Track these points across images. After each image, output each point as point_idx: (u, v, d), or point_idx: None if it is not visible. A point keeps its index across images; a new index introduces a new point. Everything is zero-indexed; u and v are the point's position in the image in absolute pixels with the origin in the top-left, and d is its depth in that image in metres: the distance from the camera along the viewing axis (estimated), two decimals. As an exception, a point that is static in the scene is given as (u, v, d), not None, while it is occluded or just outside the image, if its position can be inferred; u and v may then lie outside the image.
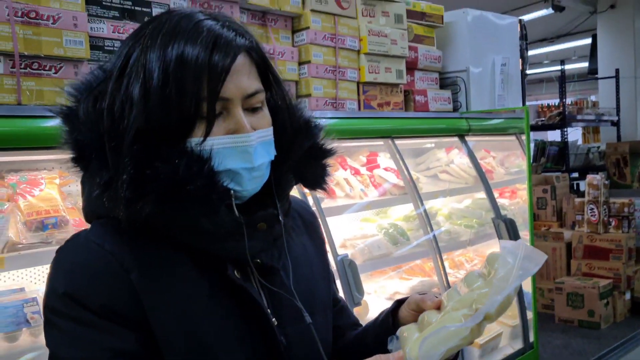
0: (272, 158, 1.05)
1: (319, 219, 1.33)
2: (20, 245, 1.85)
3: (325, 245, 1.29)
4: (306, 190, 2.41)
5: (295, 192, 1.34)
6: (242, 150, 0.98)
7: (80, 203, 2.09)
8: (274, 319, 1.05)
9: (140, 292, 0.95)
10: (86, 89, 1.02)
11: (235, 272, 1.01)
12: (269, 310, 1.04)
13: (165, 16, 1.01)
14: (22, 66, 1.83)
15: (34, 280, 2.03)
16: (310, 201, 2.41)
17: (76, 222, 1.98)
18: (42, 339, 1.82)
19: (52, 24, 1.87)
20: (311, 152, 1.12)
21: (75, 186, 2.18)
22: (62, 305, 0.94)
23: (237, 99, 0.99)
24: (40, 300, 1.91)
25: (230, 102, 0.98)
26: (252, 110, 1.02)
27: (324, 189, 1.15)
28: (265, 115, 1.04)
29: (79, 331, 0.93)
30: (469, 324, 0.94)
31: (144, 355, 0.95)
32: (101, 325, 0.93)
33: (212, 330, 0.99)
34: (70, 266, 0.97)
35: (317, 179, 1.13)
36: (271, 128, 1.06)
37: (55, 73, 1.91)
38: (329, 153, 1.15)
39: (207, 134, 0.96)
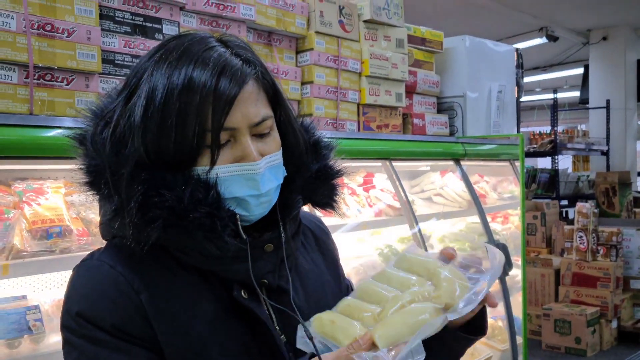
0: (281, 181, 1.06)
1: (331, 235, 1.35)
2: (25, 253, 1.86)
3: (339, 261, 1.31)
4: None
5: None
6: (248, 177, 0.99)
7: (83, 214, 2.13)
8: (282, 336, 1.06)
9: (150, 312, 0.98)
10: (100, 113, 1.03)
11: (243, 293, 1.03)
12: (277, 328, 1.06)
13: (175, 41, 1.02)
14: (36, 77, 1.86)
15: (36, 288, 2.04)
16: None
17: (79, 232, 2.00)
18: (43, 346, 1.85)
19: (66, 36, 1.91)
20: (320, 173, 1.13)
21: (78, 196, 2.20)
22: (76, 324, 0.97)
23: (244, 128, 0.99)
24: (43, 308, 1.93)
25: (237, 130, 0.99)
26: (259, 135, 1.02)
27: (334, 209, 1.16)
28: (273, 139, 1.05)
29: (93, 350, 0.96)
30: (452, 317, 0.97)
31: None
32: (113, 344, 0.96)
33: (220, 350, 1.01)
34: (84, 287, 1.00)
35: (326, 200, 1.14)
36: (280, 151, 1.06)
37: (67, 85, 1.94)
38: (338, 174, 1.15)
39: (212, 163, 0.97)
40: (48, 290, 2.07)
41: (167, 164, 0.98)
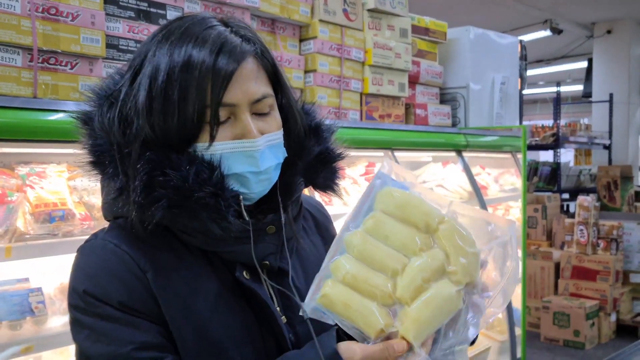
0: (281, 161, 1.07)
1: (332, 220, 1.35)
2: (28, 236, 1.87)
3: None
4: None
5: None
6: (248, 155, 1.01)
7: (86, 198, 2.14)
8: (283, 317, 1.08)
9: (156, 290, 0.99)
10: (104, 94, 1.04)
11: (245, 273, 1.04)
12: (278, 309, 1.08)
13: (177, 22, 1.04)
14: (40, 60, 1.87)
15: (39, 271, 2.05)
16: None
17: (82, 216, 2.01)
18: (45, 328, 1.86)
19: (70, 20, 1.91)
20: (321, 156, 1.13)
21: (80, 181, 2.21)
22: (83, 303, 0.98)
23: (244, 105, 1.00)
24: (45, 291, 1.94)
25: (237, 107, 1.00)
26: (260, 114, 1.04)
27: (335, 192, 1.16)
28: (274, 118, 1.06)
29: (102, 326, 0.97)
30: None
31: (165, 346, 0.98)
32: (123, 319, 0.97)
33: (221, 327, 1.02)
34: (89, 266, 1.01)
35: (327, 183, 1.15)
36: (281, 131, 1.07)
37: (71, 69, 1.94)
38: (339, 157, 1.16)
39: (212, 139, 0.99)
40: (50, 273, 2.08)
41: (171, 143, 0.99)
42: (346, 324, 0.96)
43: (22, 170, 2.02)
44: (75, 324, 1.00)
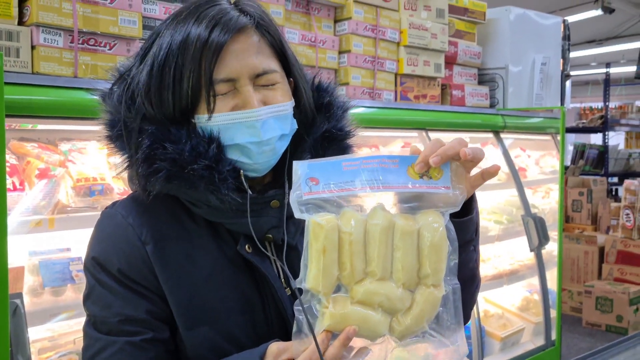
0: (286, 132, 1.08)
1: None
2: (69, 208, 1.99)
3: None
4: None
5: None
6: (249, 125, 1.03)
7: (124, 174, 2.24)
8: (287, 289, 1.10)
9: (154, 263, 1.05)
10: (124, 72, 1.10)
11: (247, 247, 1.08)
12: (282, 282, 1.11)
13: (188, 3, 1.08)
14: (80, 42, 1.96)
15: (79, 242, 2.17)
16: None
17: (120, 191, 2.11)
18: (84, 295, 1.97)
19: (109, 3, 2.00)
20: (326, 134, 1.14)
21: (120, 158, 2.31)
22: (91, 266, 1.08)
23: (245, 78, 1.03)
24: (85, 260, 2.06)
25: (237, 81, 1.02)
26: (264, 87, 1.05)
27: None
28: (281, 90, 1.07)
29: (100, 292, 1.06)
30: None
31: (149, 323, 1.05)
32: (118, 291, 1.05)
33: (216, 297, 1.07)
34: (100, 233, 1.10)
35: None
36: (288, 103, 1.08)
37: (110, 50, 2.03)
38: (349, 135, 1.17)
39: (209, 112, 1.02)
40: (91, 244, 2.19)
41: (172, 117, 1.04)
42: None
43: (65, 146, 2.13)
44: (86, 282, 1.10)
